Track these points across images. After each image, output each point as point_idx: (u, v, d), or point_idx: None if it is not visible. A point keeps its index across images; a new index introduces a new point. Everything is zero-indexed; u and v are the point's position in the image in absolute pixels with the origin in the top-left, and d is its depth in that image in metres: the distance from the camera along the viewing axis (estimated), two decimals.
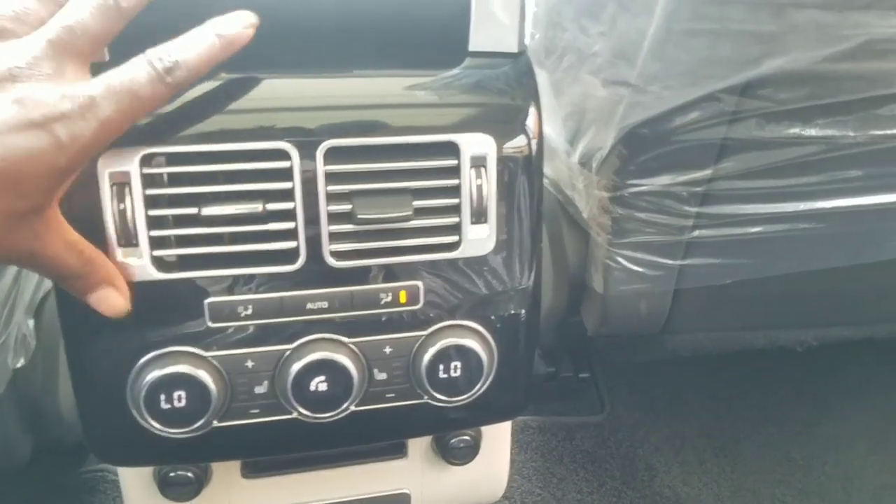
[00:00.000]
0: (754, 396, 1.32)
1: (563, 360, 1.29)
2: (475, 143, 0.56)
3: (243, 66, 0.55)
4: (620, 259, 0.71)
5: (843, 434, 1.26)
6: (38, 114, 0.41)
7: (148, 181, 0.52)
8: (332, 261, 0.56)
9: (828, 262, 0.74)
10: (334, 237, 0.56)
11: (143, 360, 0.55)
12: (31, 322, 0.66)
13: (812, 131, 0.65)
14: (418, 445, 0.74)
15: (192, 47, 0.46)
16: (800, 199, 0.69)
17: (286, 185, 0.54)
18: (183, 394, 0.55)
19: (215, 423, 0.58)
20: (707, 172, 0.67)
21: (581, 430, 1.26)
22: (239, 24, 0.48)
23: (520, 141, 0.58)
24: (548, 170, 0.83)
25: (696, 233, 0.70)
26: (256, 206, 0.53)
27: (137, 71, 0.44)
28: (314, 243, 0.56)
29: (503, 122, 0.57)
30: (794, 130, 0.65)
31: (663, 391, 1.32)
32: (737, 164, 0.67)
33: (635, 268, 0.71)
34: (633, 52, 0.61)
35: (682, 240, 0.70)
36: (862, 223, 0.71)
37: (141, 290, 0.54)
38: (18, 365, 0.64)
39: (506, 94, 0.58)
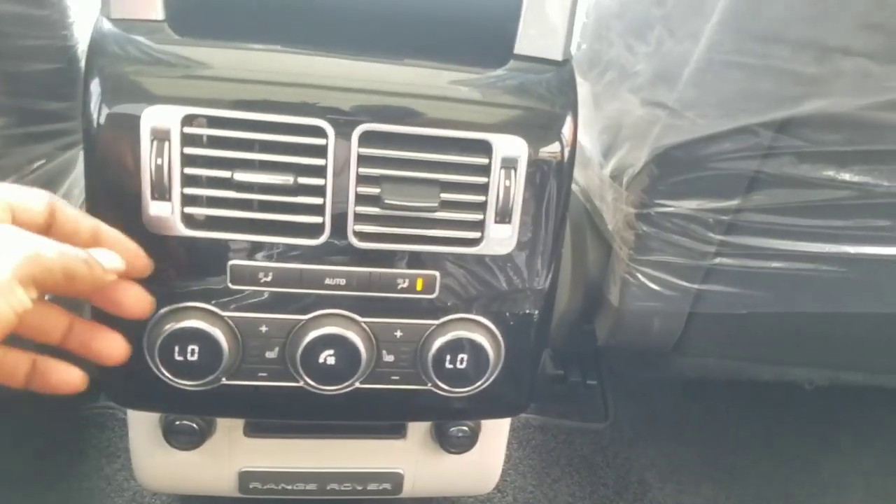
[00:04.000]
0: (758, 428, 1.31)
1: (573, 364, 1.30)
2: (508, 145, 0.57)
3: (292, 40, 0.57)
4: (639, 275, 0.72)
5: (843, 477, 1.25)
6: None
7: (187, 140, 0.54)
8: (354, 240, 0.58)
9: (847, 307, 0.74)
10: (360, 218, 0.58)
11: (162, 311, 0.57)
12: None
13: (846, 175, 0.65)
14: (418, 429, 0.76)
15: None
16: (826, 240, 0.69)
17: (319, 161, 0.56)
18: (196, 348, 0.58)
19: (224, 381, 0.60)
20: (735, 202, 0.67)
21: (581, 435, 1.27)
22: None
23: (553, 148, 0.58)
24: (580, 178, 0.83)
25: (718, 260, 0.70)
26: (288, 179, 0.55)
27: None
28: (339, 221, 0.57)
29: (539, 127, 0.58)
30: (829, 173, 0.65)
31: (668, 409, 1.32)
32: (767, 198, 0.68)
33: (652, 286, 0.72)
34: (674, 75, 0.61)
35: (703, 265, 0.71)
36: (886, 272, 0.71)
37: (168, 245, 0.56)
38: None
39: (545, 100, 0.59)
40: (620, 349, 0.84)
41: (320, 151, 0.56)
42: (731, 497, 1.20)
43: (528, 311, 0.64)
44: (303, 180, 0.56)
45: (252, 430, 0.73)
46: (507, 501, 1.13)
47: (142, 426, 0.71)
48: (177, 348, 0.58)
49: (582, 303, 0.80)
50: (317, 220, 0.57)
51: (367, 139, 0.56)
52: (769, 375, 0.90)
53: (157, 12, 0.55)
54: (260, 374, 0.61)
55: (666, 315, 0.74)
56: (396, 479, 0.77)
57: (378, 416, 0.70)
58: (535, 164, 0.58)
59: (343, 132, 0.55)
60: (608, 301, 0.76)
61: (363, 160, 0.56)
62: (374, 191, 0.57)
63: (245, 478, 0.74)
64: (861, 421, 1.30)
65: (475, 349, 0.62)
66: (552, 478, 1.18)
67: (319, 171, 0.56)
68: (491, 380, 0.64)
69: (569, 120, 0.59)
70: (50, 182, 0.64)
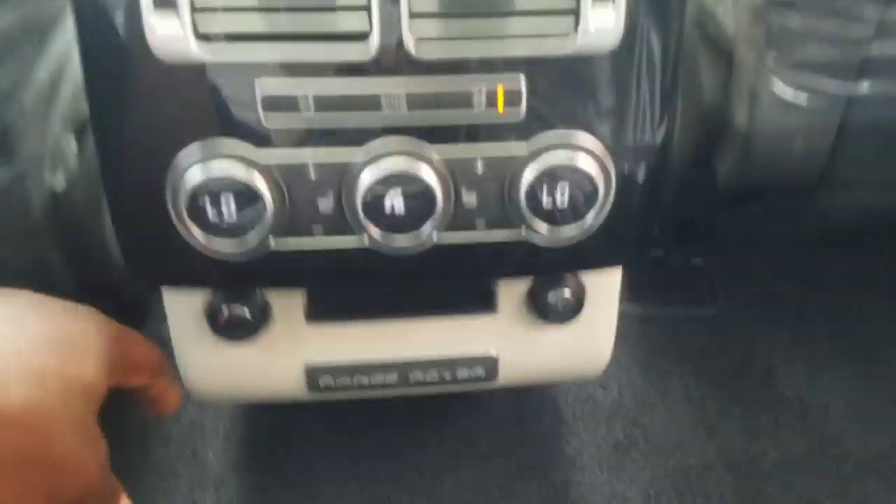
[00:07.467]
0: None
1: (673, 243, 1.15)
2: None
3: None
4: (773, 83, 0.57)
5: None
6: None
7: None
8: (412, 47, 0.45)
9: None
10: (416, 16, 0.44)
11: (184, 154, 0.46)
12: (71, 139, 0.58)
13: None
14: (510, 301, 0.63)
15: None
16: None
17: None
18: (231, 202, 0.46)
19: (272, 244, 0.49)
20: None
21: (690, 322, 1.13)
22: None
23: None
24: None
25: (876, 47, 0.55)
26: None
27: None
28: (391, 24, 0.44)
29: None
30: None
31: (789, 282, 1.16)
32: None
33: (791, 94, 0.57)
34: None
35: (856, 56, 0.55)
36: None
37: (182, 74, 0.44)
38: (58, 188, 0.55)
39: None
40: (746, 195, 0.70)
41: None
42: (871, 377, 1.04)
43: (643, 129, 0.50)
44: None
45: (315, 315, 0.62)
46: (612, 397, 1.01)
47: (184, 320, 0.60)
48: (208, 204, 0.46)
49: (694, 137, 0.65)
50: (362, 25, 0.44)
51: None
52: None
53: None
54: (314, 231, 0.49)
55: (809, 132, 0.59)
56: (489, 364, 0.65)
57: (462, 270, 0.57)
58: None
59: None
60: (732, 128, 0.61)
61: None
62: None
63: (313, 373, 0.63)
64: None
65: (578, 177, 0.49)
66: (660, 370, 1.05)
67: None
68: (600, 216, 0.51)
69: None
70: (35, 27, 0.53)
